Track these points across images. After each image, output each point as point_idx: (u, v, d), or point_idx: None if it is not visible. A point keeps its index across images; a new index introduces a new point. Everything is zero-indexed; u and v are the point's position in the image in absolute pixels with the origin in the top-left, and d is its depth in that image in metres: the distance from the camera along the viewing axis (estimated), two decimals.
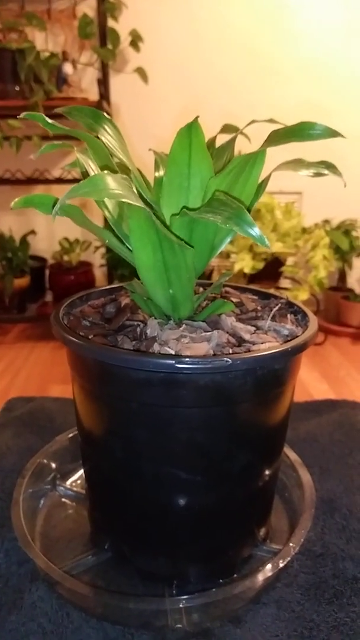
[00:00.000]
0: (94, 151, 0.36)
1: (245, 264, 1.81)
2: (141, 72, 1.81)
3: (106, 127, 0.37)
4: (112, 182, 0.28)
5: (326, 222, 2.05)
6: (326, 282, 1.85)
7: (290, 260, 1.96)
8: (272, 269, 1.92)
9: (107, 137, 0.37)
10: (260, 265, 1.84)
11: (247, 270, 1.80)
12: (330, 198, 2.03)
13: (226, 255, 1.91)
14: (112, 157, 0.37)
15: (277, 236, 1.81)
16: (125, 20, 1.85)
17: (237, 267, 1.81)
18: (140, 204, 0.28)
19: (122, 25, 1.83)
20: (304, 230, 1.89)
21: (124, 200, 0.28)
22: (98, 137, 0.36)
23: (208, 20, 1.95)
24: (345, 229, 2.00)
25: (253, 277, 1.90)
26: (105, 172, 0.28)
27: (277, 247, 1.81)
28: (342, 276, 2.19)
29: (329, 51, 2.00)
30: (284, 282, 2.01)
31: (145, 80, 1.83)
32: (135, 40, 1.78)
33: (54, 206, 0.34)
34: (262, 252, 1.81)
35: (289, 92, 2.00)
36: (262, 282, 1.94)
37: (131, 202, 0.28)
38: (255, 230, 0.29)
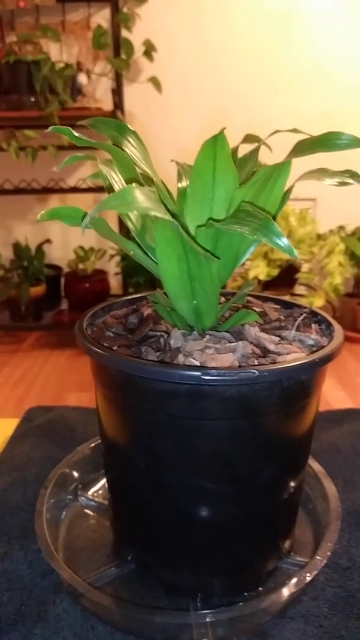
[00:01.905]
0: (120, 163, 0.36)
1: (260, 270, 1.80)
2: (155, 82, 1.83)
3: (130, 139, 0.38)
4: (140, 195, 0.28)
5: (341, 228, 2.05)
6: (342, 289, 1.85)
7: (305, 267, 1.95)
8: (286, 275, 1.92)
9: (131, 149, 0.37)
10: (275, 272, 1.84)
11: (261, 277, 1.80)
12: (344, 204, 2.02)
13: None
14: (137, 169, 0.38)
15: (292, 243, 1.81)
16: (139, 30, 1.87)
17: (251, 274, 1.81)
18: (169, 217, 0.28)
19: (135, 36, 1.86)
20: (319, 237, 1.89)
21: (152, 213, 0.28)
22: (122, 149, 0.36)
23: (220, 30, 1.96)
24: None
25: (268, 284, 1.90)
26: (134, 184, 0.28)
27: None
28: (358, 282, 2.18)
29: (339, 60, 2.00)
30: (299, 289, 2.00)
31: (159, 89, 1.85)
32: (149, 50, 1.80)
33: (83, 218, 0.34)
34: (277, 258, 1.81)
35: (300, 100, 2.00)
36: (276, 288, 1.93)
37: (160, 215, 0.28)
38: (284, 241, 0.29)
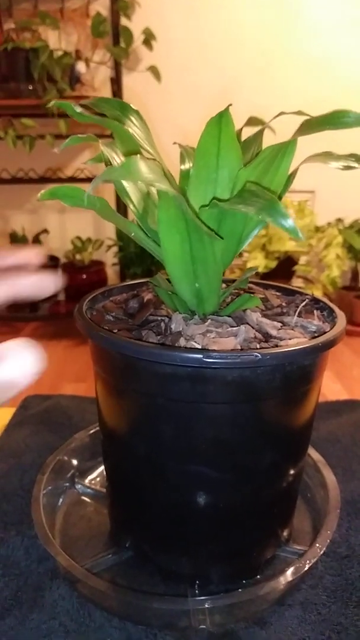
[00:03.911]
0: (122, 142, 0.35)
1: (258, 262, 1.80)
2: (154, 71, 1.81)
3: (133, 118, 0.37)
4: (144, 166, 0.28)
5: (339, 220, 2.04)
6: (339, 281, 1.84)
7: (303, 259, 1.95)
8: (284, 267, 1.91)
9: (133, 128, 0.36)
10: (273, 264, 1.84)
11: (260, 269, 1.79)
12: (343, 197, 2.02)
13: (238, 253, 1.90)
14: (140, 149, 0.37)
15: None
16: (138, 18, 1.85)
17: (249, 266, 1.81)
18: (172, 190, 0.28)
19: (135, 24, 1.84)
20: (317, 229, 1.88)
21: (157, 185, 0.27)
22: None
23: (220, 19, 1.94)
24: (358, 227, 1.98)
25: (265, 276, 1.89)
26: (138, 156, 0.28)
27: (290, 245, 1.80)
28: (355, 275, 2.18)
29: (339, 48, 1.99)
30: (297, 281, 1.99)
31: (158, 78, 1.83)
32: (149, 39, 1.78)
33: (82, 197, 0.33)
34: (275, 250, 1.80)
35: (299, 88, 1.99)
36: (274, 280, 1.93)
37: (164, 187, 0.27)
38: (289, 222, 0.29)
